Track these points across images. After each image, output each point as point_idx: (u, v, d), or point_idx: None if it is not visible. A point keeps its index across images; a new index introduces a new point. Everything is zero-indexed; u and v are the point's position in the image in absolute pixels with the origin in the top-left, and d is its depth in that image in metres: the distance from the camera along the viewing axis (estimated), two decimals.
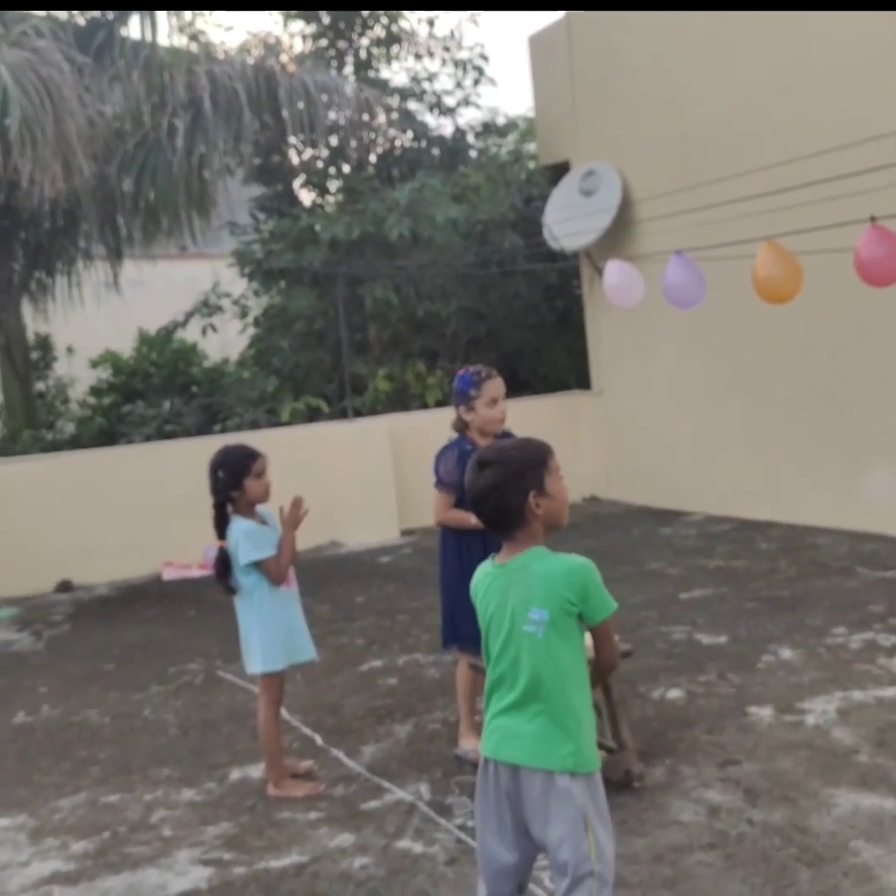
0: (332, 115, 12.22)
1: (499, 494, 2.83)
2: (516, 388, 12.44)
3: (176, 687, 6.46)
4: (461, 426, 4.95)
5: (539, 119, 12.97)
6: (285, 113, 11.63)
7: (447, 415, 12.07)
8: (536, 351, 13.33)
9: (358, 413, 11.75)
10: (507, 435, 4.90)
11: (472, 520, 3.91)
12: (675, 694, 5.48)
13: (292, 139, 13.05)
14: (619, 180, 11.10)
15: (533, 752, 2.79)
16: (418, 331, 12.86)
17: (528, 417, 11.53)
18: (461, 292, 12.47)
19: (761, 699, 5.27)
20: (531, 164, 14.03)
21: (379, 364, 12.53)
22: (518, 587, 2.82)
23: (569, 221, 11.34)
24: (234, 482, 4.61)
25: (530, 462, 2.87)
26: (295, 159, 13.93)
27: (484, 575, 2.93)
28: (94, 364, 14.32)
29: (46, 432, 12.69)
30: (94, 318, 13.53)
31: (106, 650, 7.49)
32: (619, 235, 11.04)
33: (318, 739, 5.32)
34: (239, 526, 4.61)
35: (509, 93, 37.65)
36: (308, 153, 13.81)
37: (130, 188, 11.72)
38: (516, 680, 2.82)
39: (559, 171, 12.22)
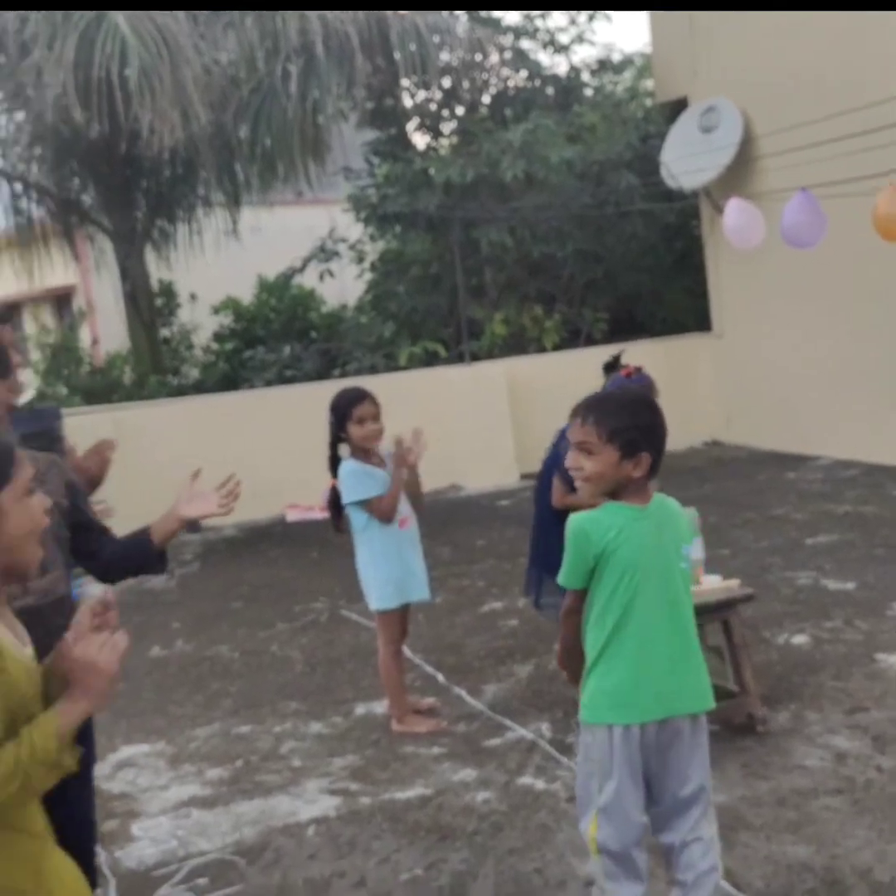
0: (444, 56, 12.13)
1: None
2: (633, 331, 12.30)
3: (301, 625, 6.65)
4: None
5: (656, 54, 12.64)
6: (398, 55, 11.58)
7: (564, 358, 12.05)
8: (654, 293, 13.11)
9: (475, 357, 11.77)
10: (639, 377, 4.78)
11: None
12: (800, 639, 5.41)
13: (405, 82, 13.00)
14: (739, 116, 10.78)
15: (703, 696, 2.83)
16: (534, 273, 12.77)
17: (646, 361, 11.28)
18: (577, 234, 12.32)
19: (890, 646, 5.17)
20: (648, 102, 13.71)
21: (495, 307, 12.49)
22: (669, 526, 2.83)
23: (687, 159, 11.07)
24: (339, 425, 4.71)
25: None
26: (408, 102, 13.87)
27: (624, 519, 2.77)
28: (216, 310, 14.61)
29: (172, 377, 13.03)
30: (214, 265, 13.78)
31: (234, 589, 7.74)
32: (739, 172, 10.75)
33: (440, 678, 5.42)
34: (345, 467, 4.70)
35: (625, 28, 36.73)
36: (421, 95, 13.74)
37: (246, 135, 11.84)
38: (676, 623, 2.79)
39: (677, 107, 11.91)
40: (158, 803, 4.34)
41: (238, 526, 9.97)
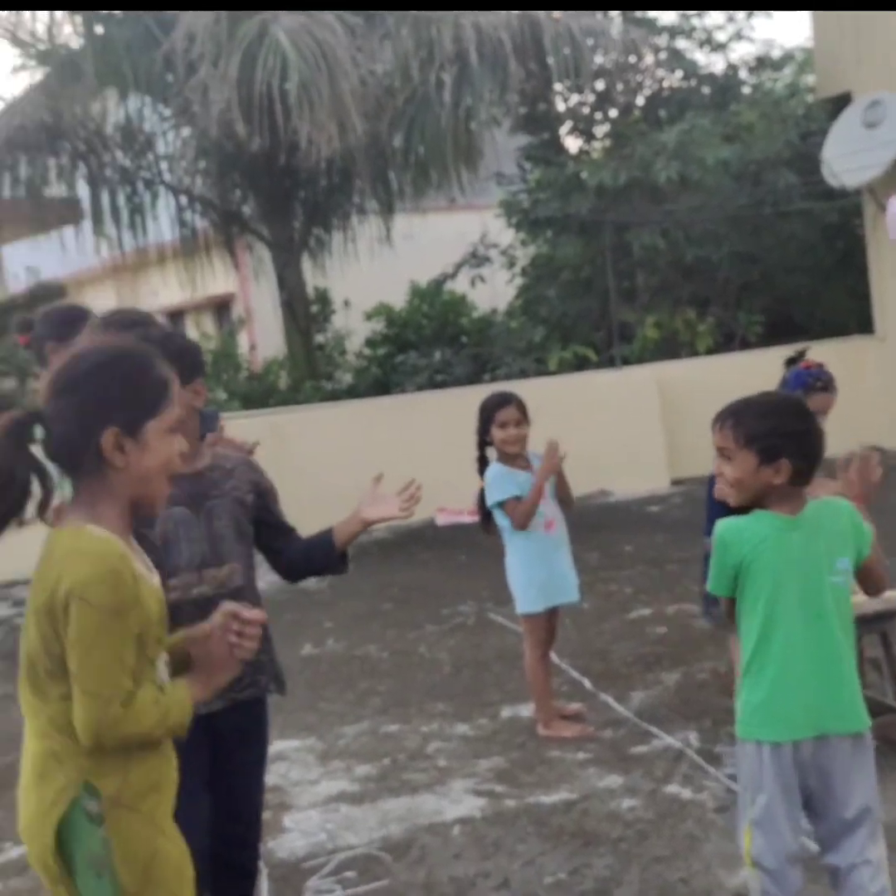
0: (598, 59, 12.05)
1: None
2: (791, 333, 11.97)
3: (449, 627, 6.72)
4: None
5: (818, 49, 12.28)
6: (551, 60, 11.55)
7: (718, 362, 11.85)
8: (813, 294, 12.74)
9: (626, 361, 11.67)
10: None
11: None
12: None
13: (558, 86, 12.98)
14: None
15: (857, 715, 2.73)
16: (688, 276, 12.56)
17: None
18: (733, 235, 12.07)
19: None
20: (809, 98, 13.34)
21: (647, 311, 12.36)
22: (824, 537, 2.71)
23: (850, 156, 10.73)
24: (484, 428, 4.76)
25: None
26: (561, 106, 13.85)
27: (769, 528, 2.70)
28: (369, 316, 14.88)
29: (326, 383, 13.33)
30: (368, 272, 14.05)
31: (384, 590, 7.87)
32: None
33: (587, 683, 5.39)
34: (489, 469, 4.75)
35: (785, 23, 35.82)
36: (574, 99, 13.70)
37: (400, 144, 12.03)
38: (822, 639, 2.69)
39: (840, 103, 11.54)
40: (309, 797, 4.45)
41: (389, 528, 10.10)
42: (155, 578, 2.17)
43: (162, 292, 18.62)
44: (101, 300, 20.19)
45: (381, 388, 12.86)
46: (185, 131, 12.58)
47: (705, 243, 12.01)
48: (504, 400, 4.76)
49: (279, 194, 12.82)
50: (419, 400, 11.29)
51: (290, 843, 4.06)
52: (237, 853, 2.94)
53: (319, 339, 14.54)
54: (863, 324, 11.93)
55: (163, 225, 13.54)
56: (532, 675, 4.84)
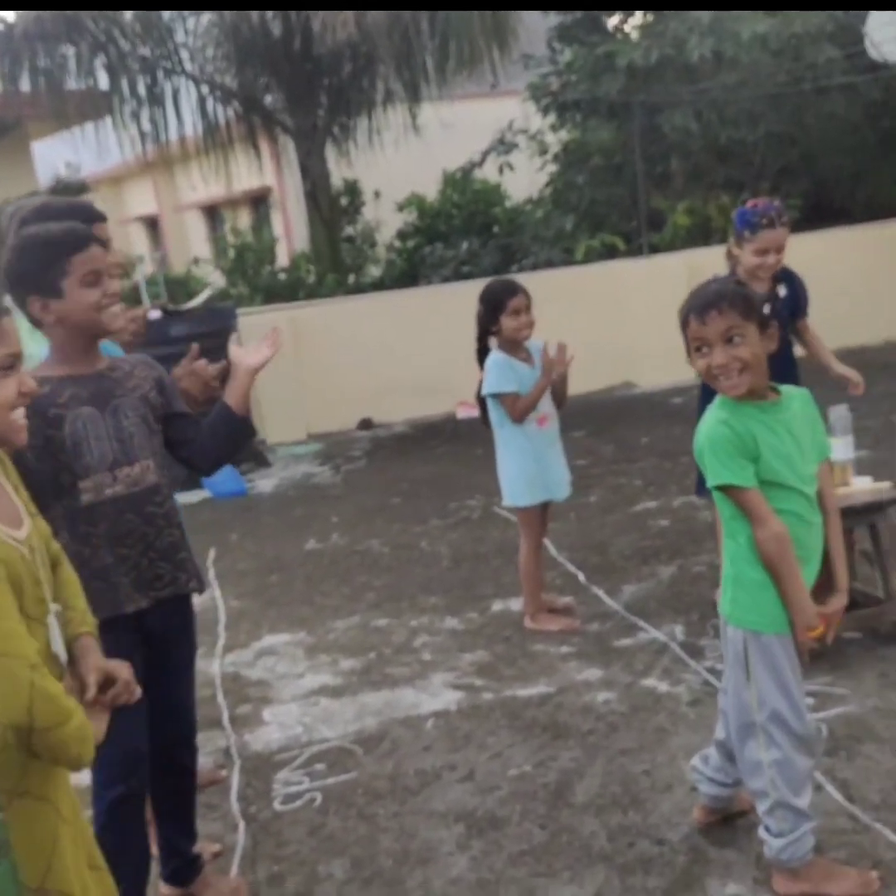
0: None
1: None
2: (832, 217, 11.54)
3: (454, 521, 6.67)
4: (732, 262, 4.44)
5: None
6: None
7: None
8: (855, 176, 12.23)
9: (655, 250, 11.33)
10: (787, 275, 4.46)
11: None
12: None
13: None
14: None
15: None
16: (722, 160, 12.11)
17: (845, 251, 10.67)
18: (770, 115, 11.56)
19: None
20: None
21: (679, 198, 11.96)
22: None
23: (893, 26, 10.14)
24: (491, 317, 4.59)
25: None
26: None
27: None
28: (401, 207, 14.58)
29: (352, 276, 13.12)
30: (401, 162, 13.68)
31: (396, 485, 7.83)
32: None
33: (581, 577, 5.33)
34: (491, 358, 4.60)
35: None
36: None
37: (425, 25, 11.56)
38: None
39: None
40: (291, 691, 4.47)
41: (409, 422, 10.06)
42: (19, 532, 1.98)
43: (200, 188, 18.41)
44: (139, 196, 20.10)
45: (409, 280, 12.66)
46: (204, 18, 12.25)
47: (741, 124, 11.52)
48: (515, 287, 4.61)
49: (301, 82, 12.47)
50: (442, 291, 11.08)
51: (266, 736, 4.08)
52: (177, 752, 2.92)
53: (349, 231, 14.29)
54: None
55: (186, 117, 13.27)
56: (525, 568, 4.79)
